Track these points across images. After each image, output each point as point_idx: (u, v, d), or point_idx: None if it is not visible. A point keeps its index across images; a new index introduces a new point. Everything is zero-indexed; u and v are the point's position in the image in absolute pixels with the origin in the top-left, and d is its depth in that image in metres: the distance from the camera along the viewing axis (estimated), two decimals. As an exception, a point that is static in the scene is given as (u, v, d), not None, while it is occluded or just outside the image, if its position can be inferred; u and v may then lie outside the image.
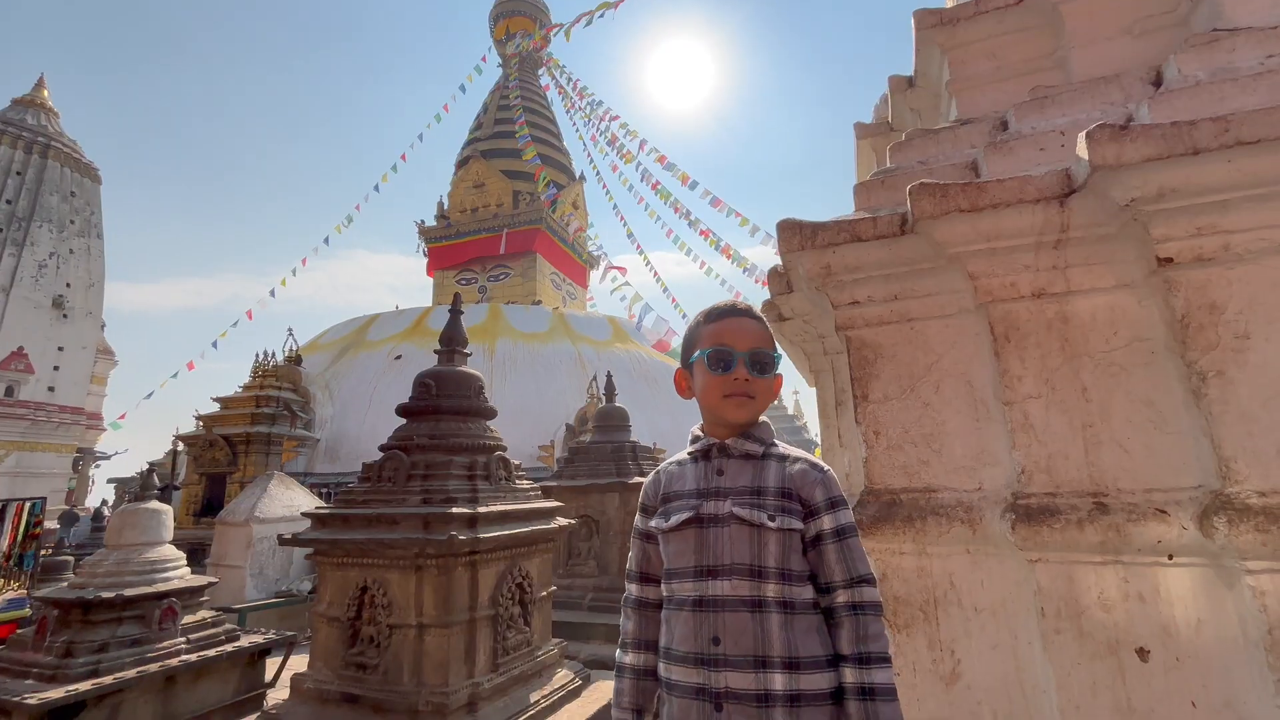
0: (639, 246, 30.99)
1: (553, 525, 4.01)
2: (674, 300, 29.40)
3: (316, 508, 3.61)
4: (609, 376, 7.00)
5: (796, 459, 1.18)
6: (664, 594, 1.13)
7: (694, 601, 1.06)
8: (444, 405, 3.82)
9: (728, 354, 1.16)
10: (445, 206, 29.96)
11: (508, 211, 27.68)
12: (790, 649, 1.01)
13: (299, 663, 4.02)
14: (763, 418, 1.26)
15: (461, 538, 3.15)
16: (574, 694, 3.67)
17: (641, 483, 6.74)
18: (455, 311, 4.17)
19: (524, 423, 17.02)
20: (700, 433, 1.25)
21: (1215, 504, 1.41)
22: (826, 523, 1.10)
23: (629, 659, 1.18)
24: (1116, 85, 2.01)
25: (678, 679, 1.05)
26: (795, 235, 1.97)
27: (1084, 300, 1.71)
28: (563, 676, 3.76)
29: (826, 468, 1.18)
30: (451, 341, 4.03)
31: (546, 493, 5.58)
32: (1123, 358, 1.64)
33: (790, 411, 30.36)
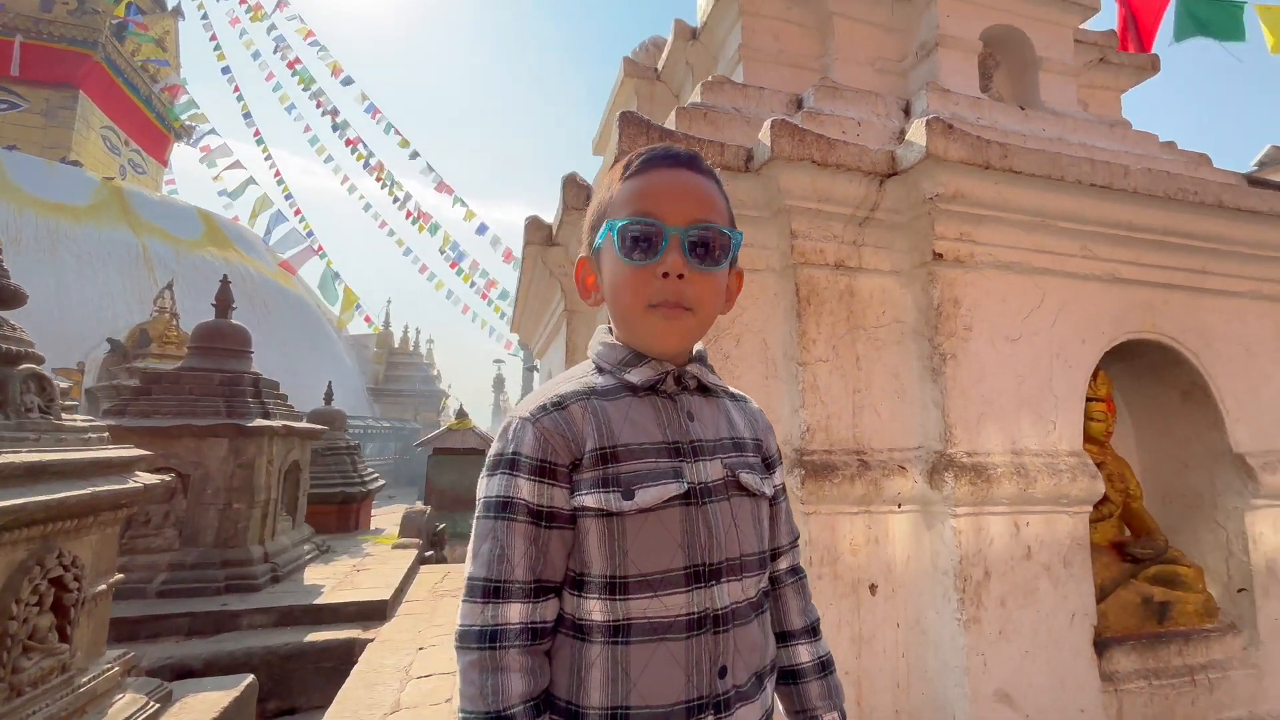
0: (258, 133, 23.83)
1: (129, 485, 2.64)
2: (298, 212, 23.11)
3: None
4: (226, 282, 5.12)
5: (741, 395, 0.85)
6: (608, 617, 0.65)
7: (689, 622, 0.65)
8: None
9: (653, 229, 0.69)
10: (-124, -47, 17.53)
11: (31, 11, 17.99)
12: (772, 649, 0.76)
13: None
14: None
15: (-68, 513, 1.70)
16: (143, 725, 2.50)
17: (270, 428, 4.99)
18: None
19: (35, 333, 11.48)
20: (622, 344, 0.75)
21: (942, 462, 1.71)
22: (779, 477, 0.84)
23: None
24: (881, 102, 2.30)
25: None
26: (642, 135, 1.61)
27: (867, 279, 1.87)
28: (128, 704, 2.52)
29: None
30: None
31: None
32: (885, 334, 1.86)
33: (426, 360, 26.64)
